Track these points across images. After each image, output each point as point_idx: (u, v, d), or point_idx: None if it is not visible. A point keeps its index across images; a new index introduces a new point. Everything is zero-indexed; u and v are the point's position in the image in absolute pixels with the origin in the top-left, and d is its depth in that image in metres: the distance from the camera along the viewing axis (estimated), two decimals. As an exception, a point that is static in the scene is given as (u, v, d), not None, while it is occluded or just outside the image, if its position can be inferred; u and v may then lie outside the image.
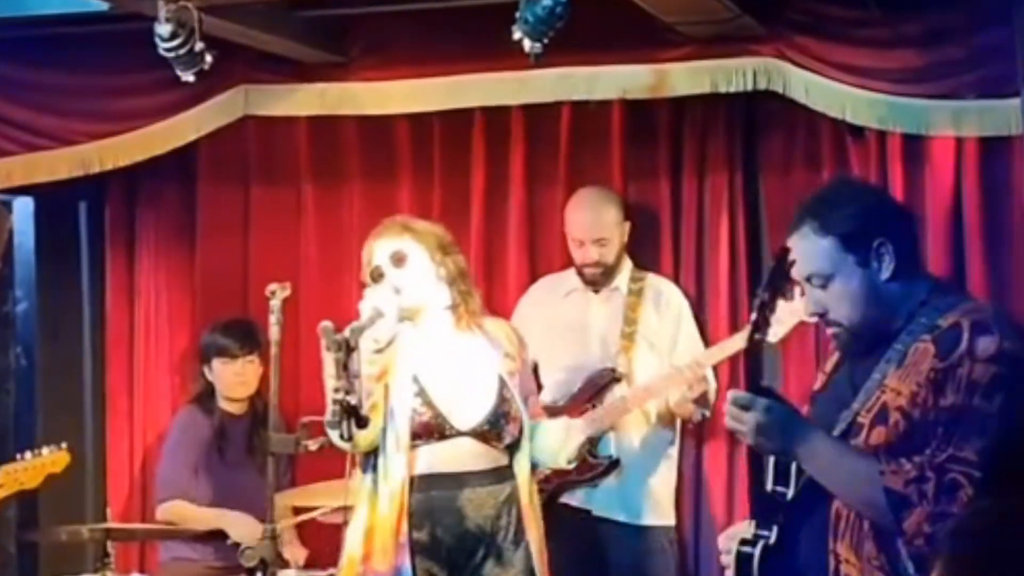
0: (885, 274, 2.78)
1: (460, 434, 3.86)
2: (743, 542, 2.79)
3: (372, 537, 3.82)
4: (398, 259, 3.83)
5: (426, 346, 3.91)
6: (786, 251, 2.74)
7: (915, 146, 4.87)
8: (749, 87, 4.86)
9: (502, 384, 3.89)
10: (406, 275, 3.84)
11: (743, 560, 2.77)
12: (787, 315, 4.23)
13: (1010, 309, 4.78)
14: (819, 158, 5.07)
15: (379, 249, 3.88)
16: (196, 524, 5.07)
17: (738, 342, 4.51)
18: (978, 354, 2.63)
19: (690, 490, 5.12)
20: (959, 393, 2.62)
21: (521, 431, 3.90)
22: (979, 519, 1.78)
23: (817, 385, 3.01)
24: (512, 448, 3.91)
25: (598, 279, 4.94)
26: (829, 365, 3.00)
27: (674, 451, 4.98)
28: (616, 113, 5.19)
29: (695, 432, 5.09)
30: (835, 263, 2.78)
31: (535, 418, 4.02)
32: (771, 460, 2.80)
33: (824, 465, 2.72)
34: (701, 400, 4.69)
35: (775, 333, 4.19)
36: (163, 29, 4.04)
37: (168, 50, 4.09)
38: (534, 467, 3.99)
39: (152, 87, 5.20)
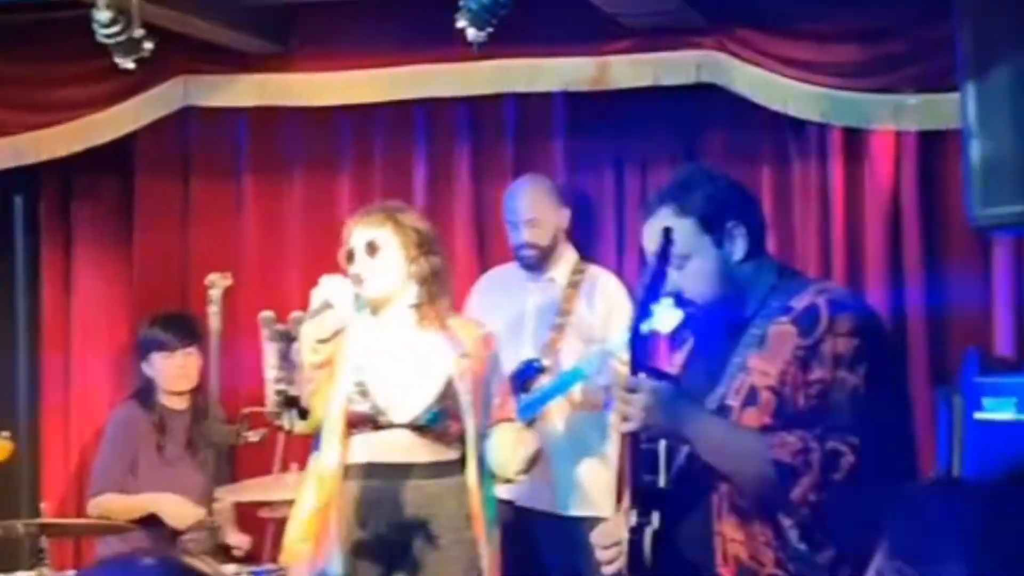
0: (738, 255, 2.88)
1: (394, 426, 3.83)
2: (632, 531, 2.83)
3: (312, 520, 3.81)
4: (372, 248, 3.81)
5: (378, 338, 3.88)
6: (669, 230, 2.81)
7: (855, 140, 4.91)
8: (692, 80, 4.88)
9: (448, 383, 3.85)
10: (376, 265, 3.80)
11: (635, 548, 2.82)
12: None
13: (947, 299, 4.87)
14: (760, 152, 5.10)
15: (358, 233, 3.84)
16: (128, 514, 5.00)
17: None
18: (838, 329, 2.75)
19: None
20: (825, 368, 2.74)
21: (467, 430, 3.86)
22: (923, 493, 1.78)
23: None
24: (462, 444, 3.88)
25: (533, 262, 4.93)
26: (681, 357, 3.08)
27: (610, 442, 4.96)
28: (558, 106, 5.20)
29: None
30: (693, 244, 2.87)
31: (505, 422, 3.98)
32: (641, 450, 2.85)
33: (714, 443, 2.80)
34: (613, 389, 4.64)
35: (667, 324, 4.18)
36: (102, 15, 3.98)
37: (107, 36, 4.03)
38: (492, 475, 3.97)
39: (90, 77, 5.15)
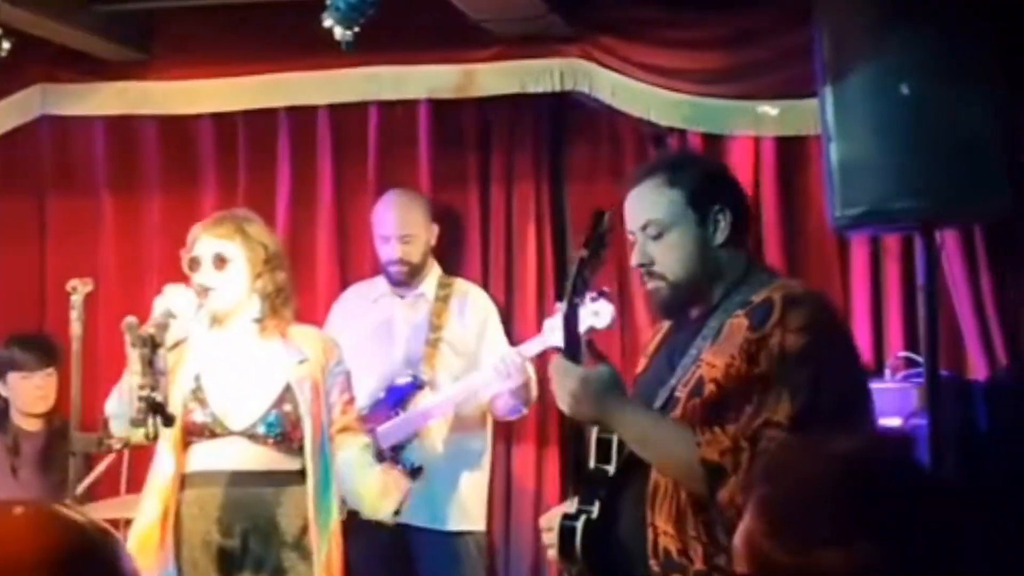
0: (719, 239, 2.84)
1: (231, 434, 3.78)
2: (566, 516, 2.81)
3: (152, 532, 3.75)
4: (220, 261, 3.76)
5: (219, 348, 3.84)
6: (602, 213, 2.77)
7: (715, 147, 4.96)
8: (557, 87, 4.91)
9: (286, 390, 3.82)
10: (222, 279, 3.77)
11: (566, 534, 2.79)
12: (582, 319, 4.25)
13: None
14: (622, 166, 5.13)
15: (205, 242, 3.79)
16: None
17: (558, 335, 4.51)
18: (790, 325, 2.67)
19: (500, 495, 5.11)
20: (771, 361, 2.66)
21: (305, 436, 3.82)
22: (789, 454, 1.77)
23: (640, 368, 3.04)
24: (301, 452, 3.84)
25: (403, 278, 4.91)
26: (651, 348, 3.04)
27: (485, 457, 4.97)
28: (423, 116, 5.18)
29: (505, 436, 5.08)
30: (676, 215, 2.83)
31: (348, 430, 3.95)
32: (593, 438, 2.84)
33: (640, 435, 2.76)
34: (521, 392, 4.66)
35: (600, 322, 4.22)
36: (-43, 14, 3.91)
37: (-37, 35, 3.96)
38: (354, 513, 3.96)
39: (-57, 85, 5.02)
